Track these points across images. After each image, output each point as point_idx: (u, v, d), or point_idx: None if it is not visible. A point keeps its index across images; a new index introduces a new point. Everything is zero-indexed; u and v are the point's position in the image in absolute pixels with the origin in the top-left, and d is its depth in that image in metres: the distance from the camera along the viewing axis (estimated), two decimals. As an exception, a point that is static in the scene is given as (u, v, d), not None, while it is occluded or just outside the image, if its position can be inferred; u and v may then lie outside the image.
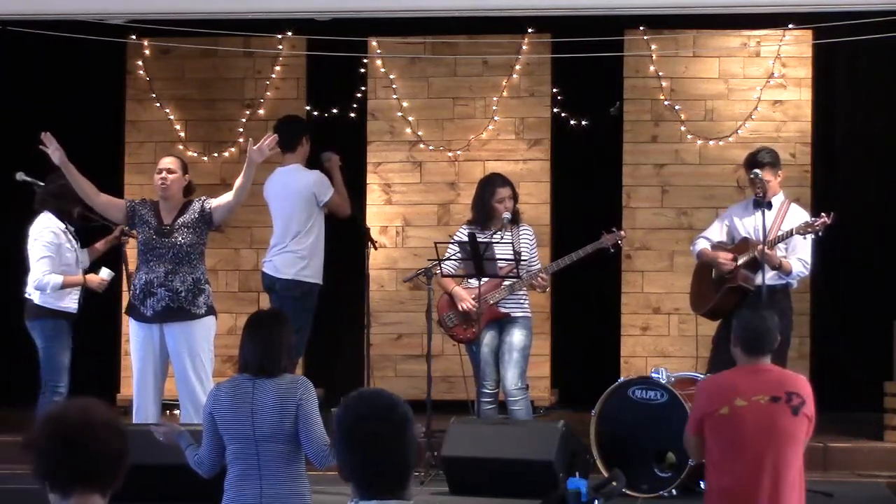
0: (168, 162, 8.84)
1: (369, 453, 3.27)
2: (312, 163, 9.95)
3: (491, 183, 9.40)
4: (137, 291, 8.59)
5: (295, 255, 9.65)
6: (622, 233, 9.53)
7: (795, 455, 5.90)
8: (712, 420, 5.89)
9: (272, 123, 10.93)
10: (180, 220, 8.61)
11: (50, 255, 9.04)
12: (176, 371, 8.56)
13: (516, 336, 9.18)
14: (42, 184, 8.94)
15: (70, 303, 9.18)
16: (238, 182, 8.63)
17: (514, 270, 9.13)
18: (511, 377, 9.11)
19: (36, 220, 9.21)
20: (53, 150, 8.51)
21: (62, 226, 9.16)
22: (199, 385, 8.49)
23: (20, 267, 9.33)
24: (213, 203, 8.66)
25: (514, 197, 9.36)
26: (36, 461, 3.18)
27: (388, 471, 3.28)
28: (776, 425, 5.84)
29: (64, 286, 9.03)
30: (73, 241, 9.24)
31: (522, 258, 9.16)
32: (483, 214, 9.33)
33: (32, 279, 9.08)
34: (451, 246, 9.36)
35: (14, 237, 11.55)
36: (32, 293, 9.17)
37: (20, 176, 9.47)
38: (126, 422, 9.33)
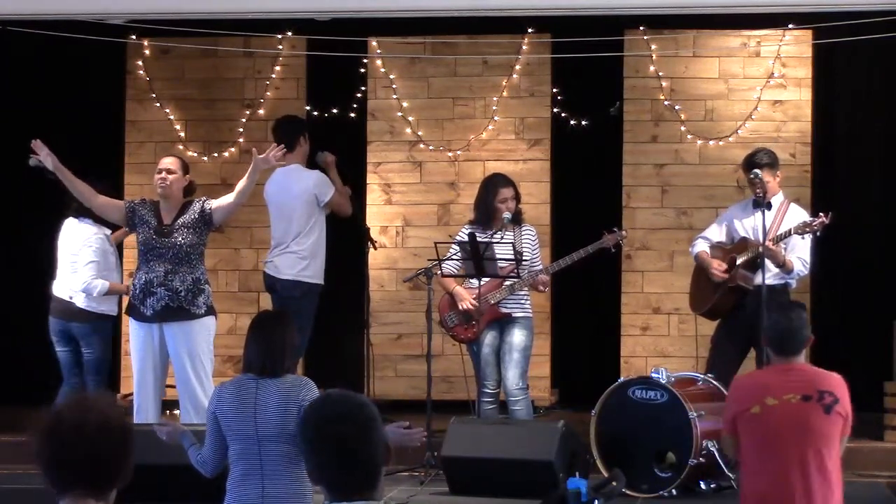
0: (168, 162, 8.84)
1: (336, 455, 3.27)
2: (313, 162, 9.95)
3: (494, 183, 9.39)
4: (137, 291, 8.59)
5: (296, 255, 9.64)
6: (623, 232, 9.50)
7: (829, 454, 5.85)
8: (744, 419, 5.86)
9: (272, 123, 10.94)
10: (180, 220, 8.60)
11: (97, 261, 9.34)
12: (176, 371, 8.56)
13: (517, 336, 9.17)
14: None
15: (112, 306, 9.57)
16: (240, 185, 8.63)
17: (515, 271, 9.13)
18: (512, 377, 9.11)
19: (79, 226, 9.40)
20: (45, 155, 8.52)
21: (108, 231, 9.45)
22: (199, 385, 8.49)
23: (23, 269, 9.34)
24: (214, 204, 8.66)
25: (517, 197, 9.34)
26: (36, 461, 3.19)
27: (356, 472, 3.28)
28: (807, 424, 5.81)
29: (109, 292, 9.33)
30: (113, 245, 9.57)
31: (524, 258, 9.16)
32: (485, 214, 9.32)
33: (81, 282, 9.34)
34: (452, 246, 9.36)
35: (14, 237, 11.56)
36: (76, 296, 9.42)
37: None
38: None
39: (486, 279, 9.13)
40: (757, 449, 5.86)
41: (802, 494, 5.76)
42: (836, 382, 5.94)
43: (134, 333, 8.68)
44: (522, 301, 9.27)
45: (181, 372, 8.52)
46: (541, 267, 9.33)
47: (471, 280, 9.28)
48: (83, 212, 9.29)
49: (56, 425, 3.17)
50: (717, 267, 9.02)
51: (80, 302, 9.42)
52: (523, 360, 9.17)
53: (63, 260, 9.54)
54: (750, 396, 5.91)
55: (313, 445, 3.30)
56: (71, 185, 8.63)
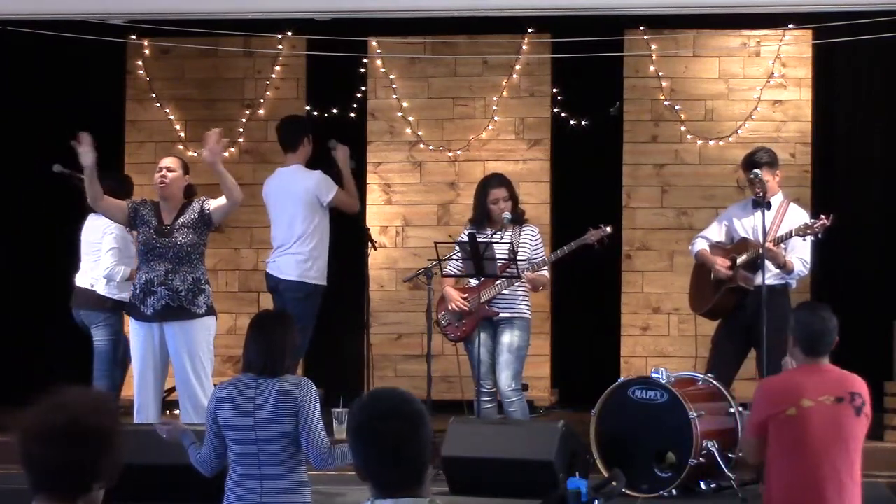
0: (168, 161, 8.84)
1: (384, 451, 3.28)
2: (312, 163, 9.95)
3: (486, 184, 9.36)
4: (138, 291, 8.59)
5: (299, 257, 9.64)
6: (608, 228, 9.27)
7: (857, 455, 5.86)
8: (777, 421, 5.82)
9: (272, 123, 10.94)
10: (180, 220, 8.60)
11: (118, 247, 9.45)
12: (176, 370, 8.55)
13: (510, 337, 9.14)
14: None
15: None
16: (222, 183, 8.59)
17: (510, 270, 9.10)
18: (505, 378, 9.09)
19: (100, 219, 9.40)
20: (86, 151, 8.44)
21: None
22: (199, 385, 8.48)
23: (21, 266, 9.35)
24: (213, 204, 8.65)
25: (513, 198, 9.28)
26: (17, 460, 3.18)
27: (403, 469, 3.29)
28: (841, 426, 5.81)
29: (130, 278, 9.32)
30: (132, 235, 9.56)
31: (521, 258, 9.13)
32: (479, 215, 9.31)
33: (104, 268, 9.46)
34: (455, 247, 9.35)
35: (13, 238, 11.56)
36: (97, 283, 9.55)
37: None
38: (126, 421, 9.36)
39: (484, 279, 9.12)
40: (789, 451, 5.82)
41: (835, 496, 5.75)
42: (861, 384, 5.97)
43: (134, 333, 8.68)
44: (518, 302, 9.23)
45: (181, 371, 8.52)
46: (541, 259, 9.25)
47: (471, 280, 9.27)
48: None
49: (27, 426, 3.12)
50: (722, 264, 9.00)
51: (101, 289, 9.53)
52: (516, 362, 9.13)
53: (86, 251, 9.67)
54: (785, 398, 5.86)
55: (361, 442, 3.30)
56: (91, 185, 8.55)
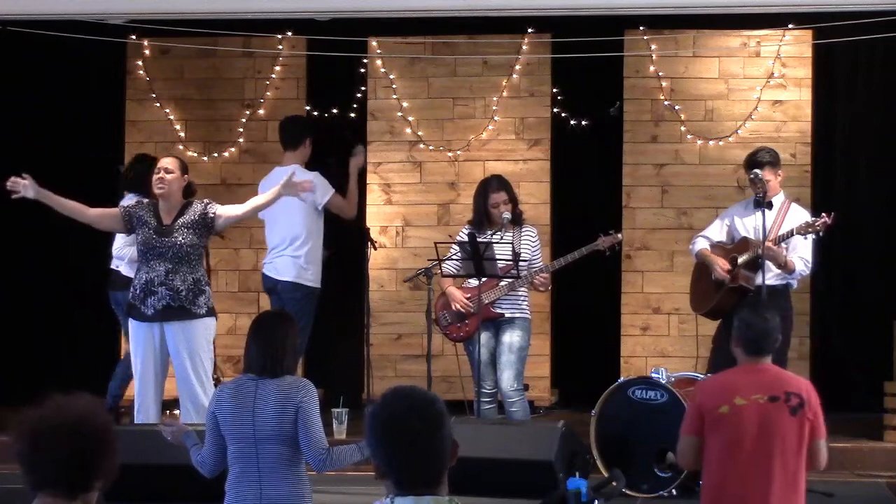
0: (166, 161, 8.80)
1: (404, 449, 3.28)
2: (313, 165, 9.96)
3: (486, 187, 9.36)
4: (138, 291, 8.57)
5: (296, 258, 9.67)
6: (619, 235, 9.40)
7: (794, 456, 5.87)
8: (711, 418, 5.88)
9: (272, 123, 10.95)
10: (180, 220, 8.58)
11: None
12: (176, 370, 8.54)
13: (511, 337, 9.15)
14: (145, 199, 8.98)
15: None
16: (256, 202, 8.66)
17: (514, 271, 9.11)
18: (506, 378, 9.09)
19: (124, 201, 9.43)
20: (24, 189, 8.42)
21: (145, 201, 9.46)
22: (199, 384, 8.48)
23: (17, 266, 9.36)
24: (219, 210, 8.59)
25: (513, 200, 9.28)
26: (15, 459, 3.19)
27: (423, 466, 3.29)
28: (773, 425, 5.82)
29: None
30: None
31: (522, 259, 9.14)
32: (479, 216, 9.31)
33: (114, 248, 9.59)
34: (453, 246, 9.36)
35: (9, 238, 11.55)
36: (121, 265, 9.61)
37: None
38: (127, 422, 9.37)
39: (484, 279, 9.12)
40: (723, 449, 5.86)
41: (763, 495, 5.77)
42: (804, 386, 5.96)
43: (134, 333, 8.66)
44: (519, 302, 9.24)
45: (181, 371, 8.50)
46: (541, 265, 9.30)
47: (470, 280, 9.27)
48: (132, 187, 9.51)
49: (30, 425, 3.16)
50: (722, 265, 9.00)
51: (124, 270, 9.57)
52: (518, 362, 9.15)
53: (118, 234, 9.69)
54: (718, 396, 5.91)
55: (381, 440, 3.31)
56: (59, 207, 8.53)
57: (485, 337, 9.18)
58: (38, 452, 3.13)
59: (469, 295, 9.21)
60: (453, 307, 9.26)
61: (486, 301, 9.15)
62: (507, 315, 9.17)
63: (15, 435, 3.18)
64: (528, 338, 9.25)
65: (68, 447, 3.14)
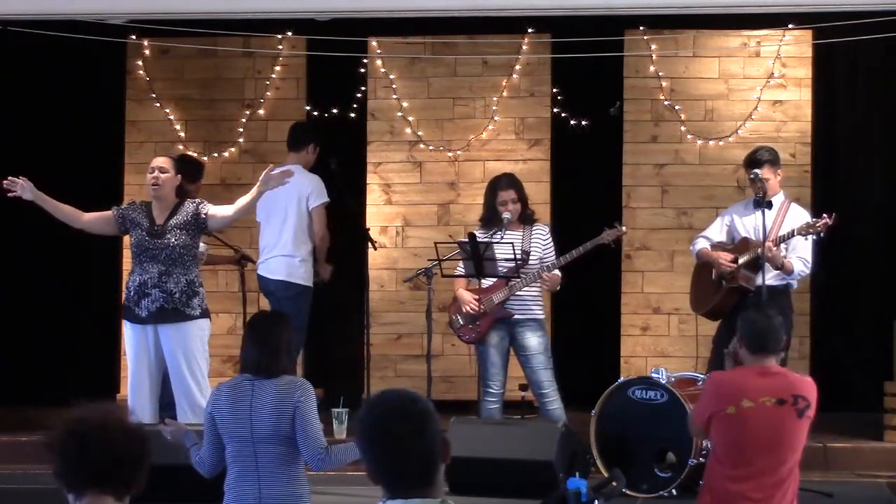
0: (160, 161, 8.77)
1: (391, 452, 3.27)
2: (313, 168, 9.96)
3: (495, 185, 9.33)
4: (132, 293, 8.55)
5: (290, 258, 9.69)
6: (623, 228, 9.39)
7: (794, 457, 5.91)
8: (718, 418, 5.89)
9: (272, 123, 10.96)
10: (172, 220, 8.55)
11: None
12: (171, 371, 8.52)
13: (533, 339, 9.11)
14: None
15: None
16: (243, 201, 8.58)
17: (519, 270, 9.09)
18: (546, 380, 9.08)
19: None
20: (20, 189, 8.43)
21: None
22: (195, 385, 8.47)
23: (14, 266, 9.36)
24: (211, 211, 8.59)
25: (522, 200, 9.25)
26: (54, 460, 3.20)
27: (411, 468, 3.27)
28: (781, 428, 5.83)
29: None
30: None
31: (532, 258, 9.12)
32: (489, 215, 9.29)
33: None
34: (456, 246, 9.34)
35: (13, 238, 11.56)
36: None
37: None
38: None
39: (494, 279, 9.11)
40: (729, 449, 5.88)
41: (768, 495, 5.79)
42: (809, 387, 5.98)
43: (128, 335, 8.63)
44: (530, 302, 9.21)
45: (177, 372, 8.49)
46: (550, 264, 9.26)
47: (483, 281, 9.23)
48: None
49: (80, 425, 3.19)
50: (725, 258, 9.00)
51: None
52: (548, 361, 9.16)
53: None
54: (727, 397, 5.93)
55: (369, 444, 3.30)
56: (54, 211, 8.56)
57: (496, 338, 9.16)
58: (90, 446, 3.16)
59: (479, 296, 9.18)
60: (463, 309, 9.25)
61: (496, 301, 9.14)
62: (518, 317, 9.14)
63: (57, 433, 3.20)
64: (547, 337, 9.26)
65: (119, 443, 3.18)
